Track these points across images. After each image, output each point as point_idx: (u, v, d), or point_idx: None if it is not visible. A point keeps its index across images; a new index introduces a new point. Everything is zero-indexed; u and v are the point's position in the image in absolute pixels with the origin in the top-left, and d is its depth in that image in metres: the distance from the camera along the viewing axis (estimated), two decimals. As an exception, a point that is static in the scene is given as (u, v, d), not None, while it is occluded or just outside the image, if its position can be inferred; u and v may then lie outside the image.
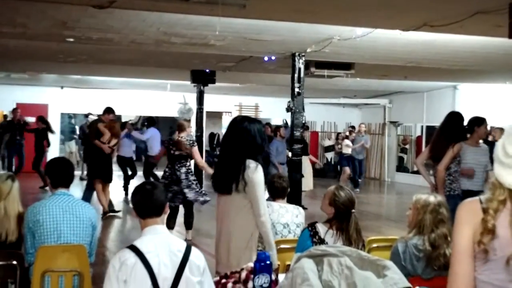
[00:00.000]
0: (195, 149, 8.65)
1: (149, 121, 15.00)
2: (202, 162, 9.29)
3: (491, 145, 7.85)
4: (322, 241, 4.01)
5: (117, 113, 11.75)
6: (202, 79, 13.91)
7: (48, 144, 14.97)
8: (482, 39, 8.04)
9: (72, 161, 10.99)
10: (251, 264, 3.25)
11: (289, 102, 9.86)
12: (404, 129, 19.96)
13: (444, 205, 4.04)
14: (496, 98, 15.07)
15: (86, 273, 4.12)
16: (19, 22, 7.60)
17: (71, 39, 8.64)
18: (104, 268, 3.16)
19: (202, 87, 14.59)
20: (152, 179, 13.10)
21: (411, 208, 4.10)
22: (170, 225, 8.43)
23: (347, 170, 16.00)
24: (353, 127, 18.68)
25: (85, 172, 13.68)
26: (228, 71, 12.70)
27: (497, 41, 7.84)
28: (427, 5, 6.09)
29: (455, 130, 6.81)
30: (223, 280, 3.33)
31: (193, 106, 15.55)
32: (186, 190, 8.39)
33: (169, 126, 20.85)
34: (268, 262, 3.16)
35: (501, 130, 11.64)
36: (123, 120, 17.30)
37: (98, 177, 10.62)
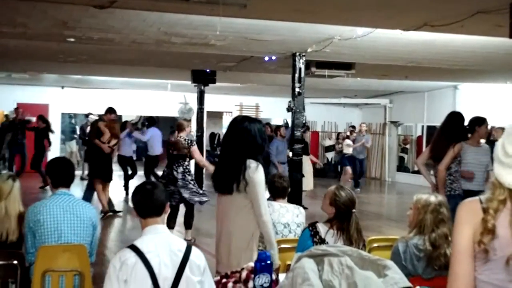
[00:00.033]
0: (194, 148, 8.62)
1: (150, 121, 14.99)
2: (202, 160, 9.31)
3: (493, 145, 7.85)
4: (322, 241, 4.01)
5: (118, 113, 11.75)
6: (203, 79, 13.91)
7: (49, 144, 14.98)
8: (482, 39, 8.04)
9: (73, 161, 11.02)
10: (252, 264, 3.25)
11: (289, 102, 9.86)
12: (405, 129, 19.96)
13: (445, 205, 4.04)
14: (496, 98, 15.06)
15: (86, 273, 4.13)
16: (19, 22, 7.60)
17: (72, 39, 8.64)
18: (105, 268, 3.16)
19: (202, 87, 14.59)
20: (153, 179, 13.12)
21: (411, 208, 4.10)
22: (171, 225, 8.44)
23: (349, 170, 16.00)
24: (353, 127, 18.68)
25: (86, 172, 13.70)
26: (228, 71, 12.70)
27: (497, 41, 7.84)
28: (427, 5, 6.09)
29: (455, 130, 6.81)
30: (224, 280, 3.33)
31: (194, 106, 15.55)
32: (182, 190, 8.39)
33: (169, 126, 20.85)
34: (268, 261, 3.16)
35: (503, 130, 11.64)
36: (124, 120, 17.29)
37: (98, 176, 10.63)
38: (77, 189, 12.05)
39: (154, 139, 14.06)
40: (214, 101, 18.18)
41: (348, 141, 16.58)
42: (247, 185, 3.90)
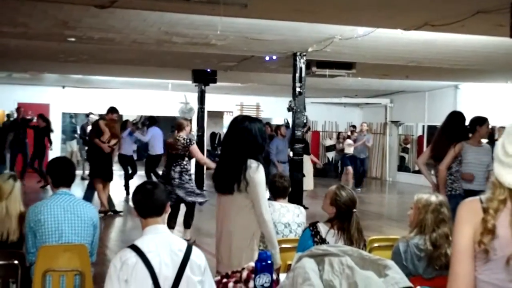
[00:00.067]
0: (193, 147, 8.56)
1: (151, 120, 14.96)
2: (203, 158, 9.32)
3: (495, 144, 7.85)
4: (323, 241, 4.01)
5: (119, 112, 11.74)
6: (204, 78, 13.91)
7: (50, 143, 14.98)
8: (483, 39, 8.03)
9: (73, 161, 11.02)
10: (252, 264, 3.25)
11: (290, 101, 9.87)
12: (406, 128, 19.95)
13: (446, 205, 4.03)
14: (497, 98, 15.05)
15: (87, 273, 4.13)
16: (20, 22, 7.61)
17: (73, 39, 8.65)
18: (105, 268, 3.16)
19: (203, 86, 14.59)
20: (154, 178, 13.12)
21: (412, 208, 4.10)
22: (171, 224, 8.44)
23: (350, 170, 16.01)
24: (354, 126, 18.68)
25: (86, 172, 13.70)
26: (229, 70, 12.70)
27: (498, 40, 7.83)
28: (428, 4, 6.09)
29: (456, 130, 6.80)
30: (224, 280, 3.33)
31: (195, 105, 15.55)
32: (176, 189, 8.37)
33: (170, 125, 20.86)
34: (269, 261, 3.16)
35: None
36: (124, 119, 17.29)
37: (99, 176, 10.63)
38: (78, 189, 12.06)
39: (155, 138, 14.04)
40: (214, 100, 18.18)
41: (349, 141, 16.59)
42: (248, 185, 3.90)
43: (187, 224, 8.78)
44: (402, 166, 19.79)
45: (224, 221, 4.04)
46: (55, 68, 13.97)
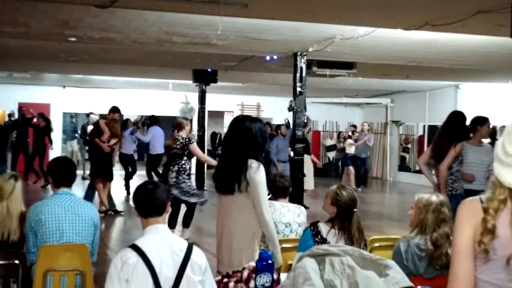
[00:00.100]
0: (193, 145, 8.54)
1: (152, 120, 14.94)
2: (203, 156, 9.33)
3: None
4: (324, 241, 4.01)
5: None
6: (204, 78, 13.92)
7: (51, 142, 14.97)
8: (484, 38, 8.03)
9: (74, 161, 11.02)
10: (253, 263, 3.25)
11: (291, 101, 9.87)
12: (406, 128, 19.95)
13: (446, 205, 4.03)
14: (498, 97, 15.05)
15: (88, 272, 4.13)
16: (21, 22, 7.61)
17: (73, 39, 8.65)
18: (106, 268, 3.16)
19: (204, 86, 14.60)
20: (155, 178, 13.12)
21: (413, 208, 4.10)
22: (172, 224, 8.43)
23: (351, 169, 16.01)
24: (354, 126, 18.68)
25: (87, 172, 13.70)
26: (230, 70, 12.70)
27: (499, 40, 7.83)
28: (428, 4, 6.09)
29: (457, 130, 6.80)
30: (225, 279, 3.33)
31: (195, 105, 15.55)
32: (172, 188, 8.36)
33: (171, 125, 20.87)
34: (270, 261, 3.16)
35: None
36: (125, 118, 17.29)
37: (99, 175, 10.63)
38: (79, 188, 12.06)
39: (156, 138, 14.01)
40: (215, 100, 18.18)
41: (350, 141, 16.58)
42: (248, 185, 3.89)
43: (186, 223, 8.78)
44: (403, 166, 19.78)
45: (225, 221, 4.04)
46: (56, 68, 13.98)
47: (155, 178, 13.10)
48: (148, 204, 3.23)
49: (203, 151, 11.99)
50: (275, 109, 19.98)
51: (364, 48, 8.98)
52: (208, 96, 15.14)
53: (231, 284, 3.27)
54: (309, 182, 12.53)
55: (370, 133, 17.19)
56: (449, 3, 6.00)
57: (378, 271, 2.64)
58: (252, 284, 3.17)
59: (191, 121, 13.39)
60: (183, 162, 8.46)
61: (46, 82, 17.52)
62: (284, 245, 4.53)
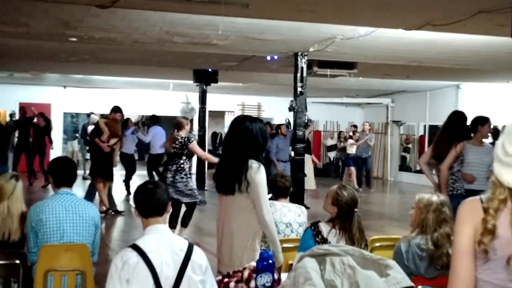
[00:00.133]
0: (193, 144, 8.52)
1: (152, 119, 14.93)
2: (204, 154, 9.34)
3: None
4: (324, 241, 4.01)
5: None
6: (205, 78, 13.92)
7: (51, 142, 14.97)
8: (484, 38, 8.03)
9: (74, 161, 11.02)
10: (254, 263, 3.25)
11: (291, 101, 9.87)
12: (407, 128, 19.94)
13: (447, 205, 4.03)
14: (499, 97, 15.05)
15: (88, 272, 4.13)
16: (22, 22, 7.61)
17: (74, 39, 8.65)
18: (107, 267, 3.16)
19: (204, 86, 14.60)
20: (156, 178, 13.12)
21: (414, 208, 4.10)
22: (173, 224, 8.43)
23: (352, 170, 16.00)
24: (355, 126, 18.66)
25: (88, 172, 13.70)
26: (230, 70, 12.71)
27: (499, 40, 7.83)
28: (429, 4, 6.09)
29: (458, 130, 6.80)
30: (226, 279, 3.33)
31: (196, 105, 15.55)
32: (168, 188, 8.32)
33: (172, 125, 20.87)
34: (270, 261, 3.16)
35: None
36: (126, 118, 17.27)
37: (100, 175, 10.62)
38: (79, 188, 12.06)
39: (156, 137, 14.00)
40: (216, 100, 18.18)
41: (351, 141, 16.58)
42: (249, 186, 3.89)
43: (184, 223, 8.77)
44: (404, 166, 19.78)
45: (226, 221, 4.04)
46: (57, 68, 13.98)
47: (156, 178, 13.09)
48: (148, 204, 3.23)
49: (204, 151, 11.96)
50: (275, 109, 19.98)
51: (365, 48, 8.98)
52: (209, 96, 15.14)
53: (232, 284, 3.27)
54: (310, 182, 12.54)
55: (371, 132, 17.17)
56: (450, 3, 5.99)
57: (379, 271, 2.64)
58: (252, 284, 3.17)
59: (191, 120, 13.37)
60: (181, 161, 8.42)
61: (47, 82, 17.52)
62: (285, 245, 4.53)
